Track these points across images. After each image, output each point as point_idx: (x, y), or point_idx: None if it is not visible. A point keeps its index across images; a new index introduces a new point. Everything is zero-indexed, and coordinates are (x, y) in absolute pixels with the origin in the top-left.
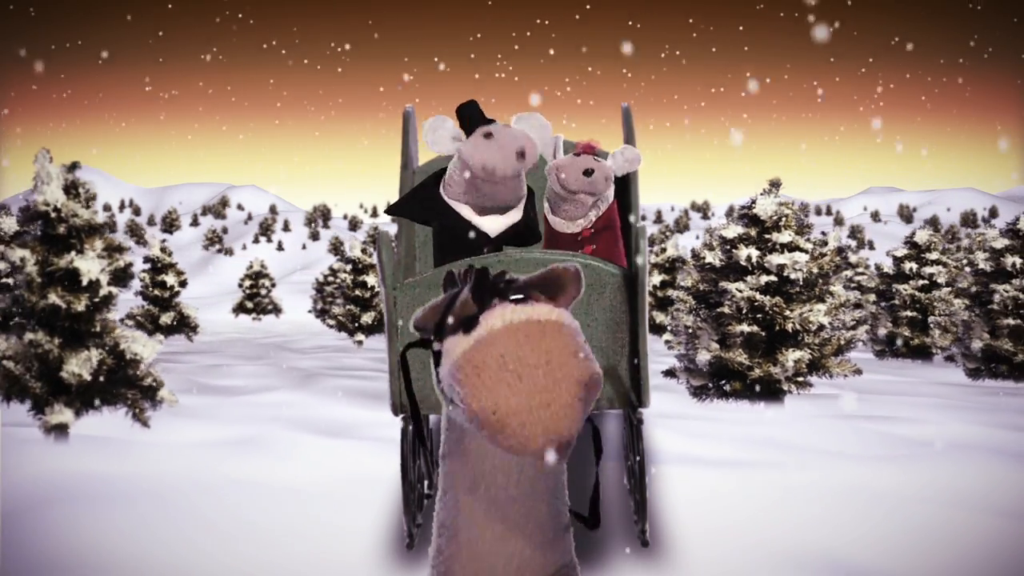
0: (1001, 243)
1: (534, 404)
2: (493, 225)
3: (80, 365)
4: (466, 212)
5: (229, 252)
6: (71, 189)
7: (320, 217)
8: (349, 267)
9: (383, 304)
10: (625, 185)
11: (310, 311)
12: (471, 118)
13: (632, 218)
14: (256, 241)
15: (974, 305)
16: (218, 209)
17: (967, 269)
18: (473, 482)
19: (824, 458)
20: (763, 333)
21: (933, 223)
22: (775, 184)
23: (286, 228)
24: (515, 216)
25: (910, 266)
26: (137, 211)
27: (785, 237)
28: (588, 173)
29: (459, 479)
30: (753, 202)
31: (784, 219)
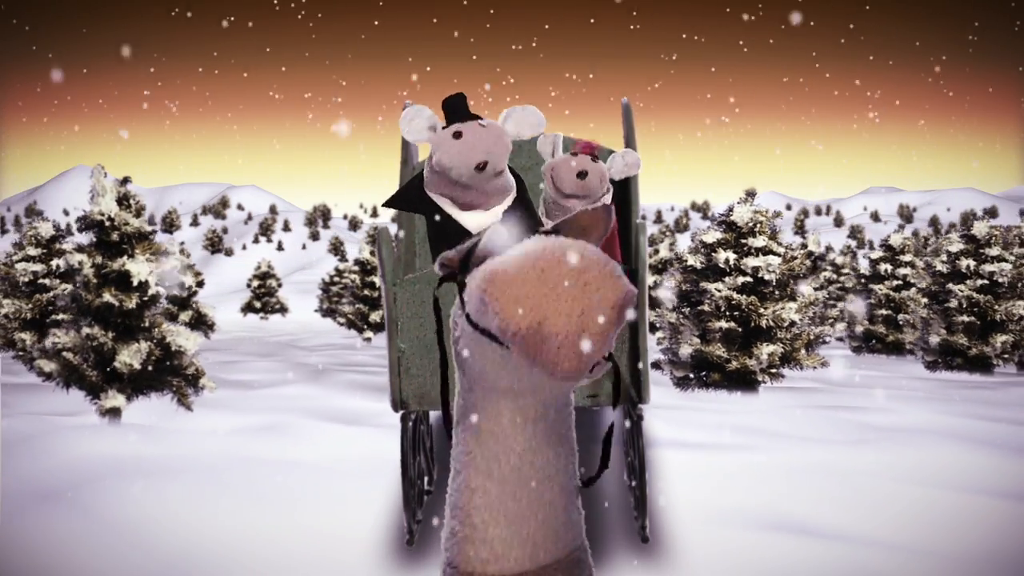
0: (957, 247)
1: (572, 323)
2: (474, 221)
3: (131, 356)
4: (447, 206)
5: (229, 252)
6: (123, 201)
7: (320, 217)
8: (357, 268)
9: (383, 300)
10: (625, 185)
11: (316, 310)
12: (455, 111)
13: (633, 216)
14: (256, 241)
15: (932, 303)
16: (218, 209)
17: (925, 271)
18: (487, 463)
19: (796, 442)
20: (739, 329)
21: (933, 223)
22: (751, 193)
23: (286, 228)
24: (499, 212)
25: (885, 267)
26: None
27: (760, 242)
28: (582, 175)
29: (474, 459)
30: (731, 210)
31: (759, 225)
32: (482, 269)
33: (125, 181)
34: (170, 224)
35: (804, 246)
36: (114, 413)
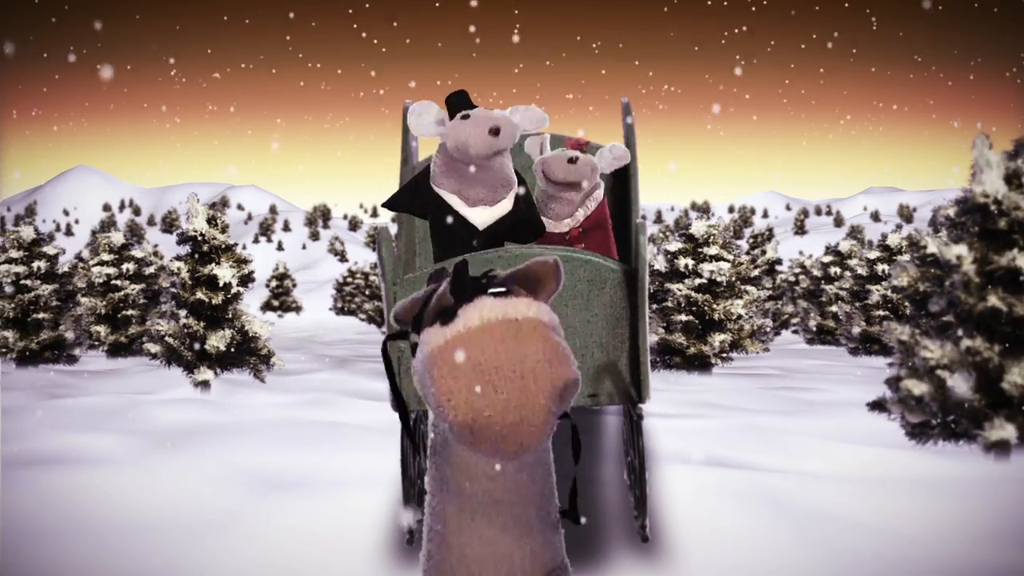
0: (874, 254)
1: (508, 416)
2: (481, 217)
3: (218, 340)
4: (454, 202)
5: None
6: (211, 221)
7: (320, 217)
8: (371, 268)
9: (383, 300)
10: (625, 184)
11: (331, 309)
12: (459, 106)
13: (633, 216)
14: (256, 241)
15: (854, 301)
16: (218, 209)
17: (847, 273)
18: (459, 485)
19: (741, 411)
20: (697, 321)
21: (933, 223)
22: (704, 210)
23: (286, 228)
24: (505, 207)
25: (834, 270)
26: (137, 211)
27: (713, 250)
28: (572, 160)
29: (446, 482)
30: (689, 224)
31: (712, 237)
32: (425, 345)
33: (213, 206)
34: (170, 224)
35: (764, 252)
36: (204, 385)
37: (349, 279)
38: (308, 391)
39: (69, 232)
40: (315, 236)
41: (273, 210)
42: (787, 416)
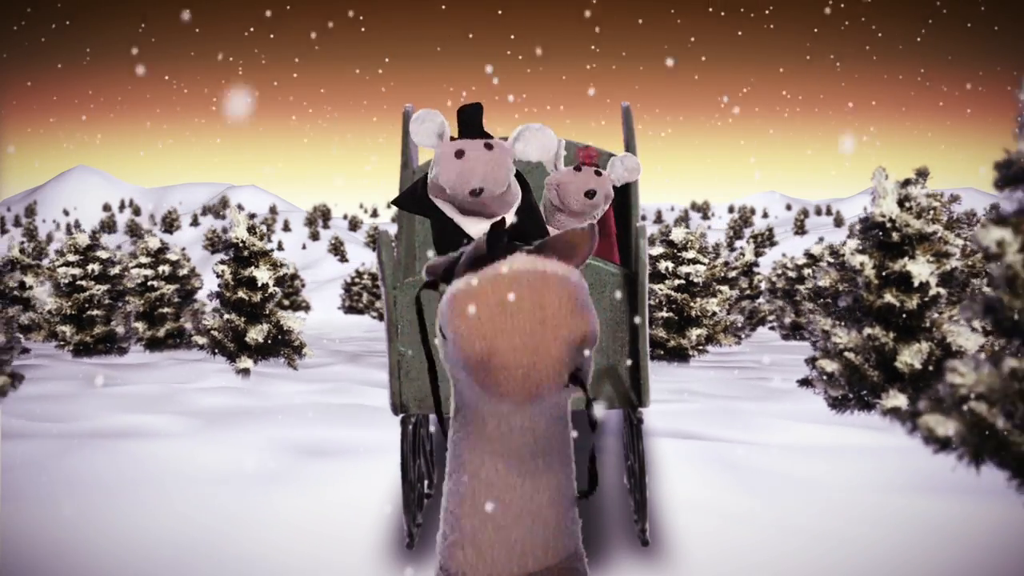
0: (801, 260)
1: (522, 357)
2: (476, 228)
3: (257, 333)
4: (448, 211)
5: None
6: (251, 229)
7: (320, 217)
8: (378, 272)
9: (383, 303)
10: (625, 188)
11: (339, 308)
12: (467, 123)
13: (633, 220)
14: None
15: (786, 298)
16: (218, 209)
17: (779, 274)
18: (475, 469)
19: (712, 397)
20: (676, 317)
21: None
22: (683, 219)
23: (286, 228)
24: (505, 222)
25: (807, 271)
26: (137, 211)
27: (691, 255)
28: (590, 195)
29: (463, 463)
30: (670, 231)
31: (689, 242)
32: (452, 286)
33: (253, 216)
34: (170, 224)
35: (742, 255)
36: (245, 372)
37: (356, 279)
38: (327, 381)
39: (70, 231)
40: (315, 236)
41: (273, 210)
42: (753, 400)
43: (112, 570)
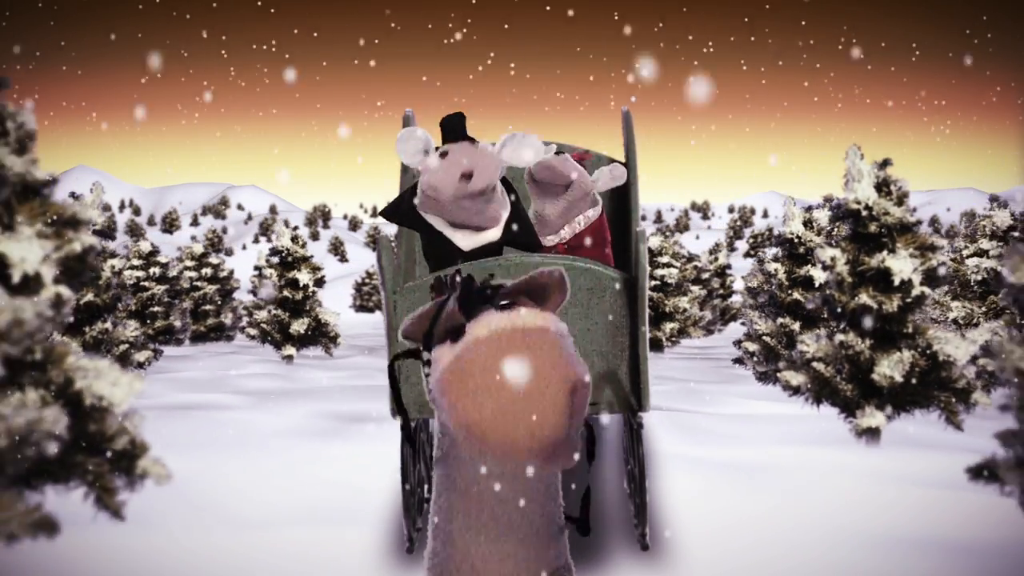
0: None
1: (518, 412)
2: (466, 241)
3: (299, 326)
4: (438, 224)
5: (229, 252)
6: (295, 239)
7: (320, 217)
8: (377, 277)
9: (384, 308)
10: (624, 193)
11: (350, 306)
12: (452, 132)
13: (632, 224)
14: (256, 241)
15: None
16: (218, 209)
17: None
18: (466, 486)
19: (683, 381)
20: (652, 313)
21: (933, 223)
22: (704, 210)
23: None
24: (492, 235)
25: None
26: (137, 211)
27: (665, 259)
28: (559, 153)
29: (452, 483)
30: (647, 239)
31: (664, 248)
32: (440, 367)
33: (296, 228)
34: (170, 224)
35: (716, 258)
36: (289, 359)
37: (367, 280)
38: (350, 369)
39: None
40: (315, 236)
41: (273, 210)
42: (715, 383)
43: (222, 501)
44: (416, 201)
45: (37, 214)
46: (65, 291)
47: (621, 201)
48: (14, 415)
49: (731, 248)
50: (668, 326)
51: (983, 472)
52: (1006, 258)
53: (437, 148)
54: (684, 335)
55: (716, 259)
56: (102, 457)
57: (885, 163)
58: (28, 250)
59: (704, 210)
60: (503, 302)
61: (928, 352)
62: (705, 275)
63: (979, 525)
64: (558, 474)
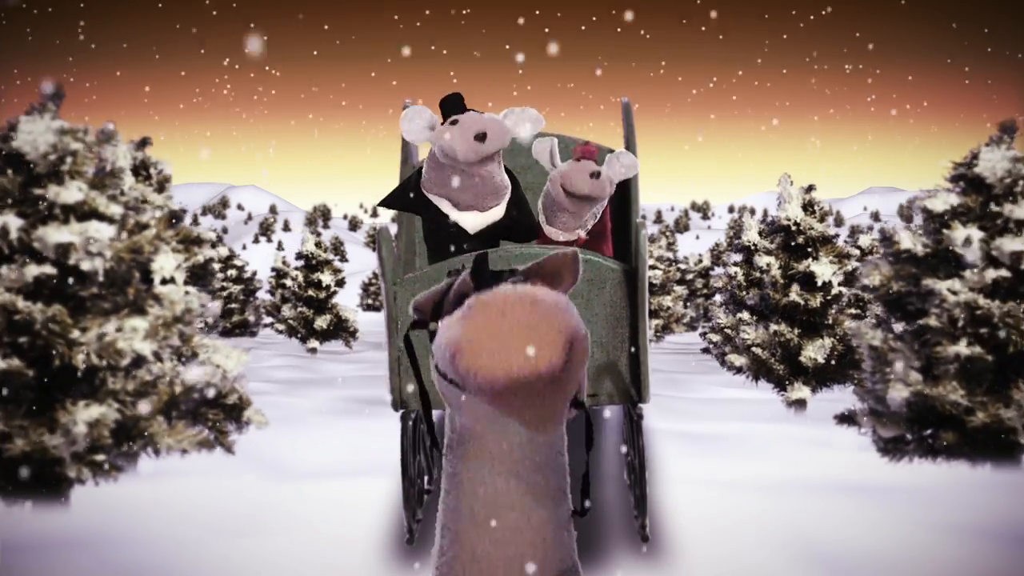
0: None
1: (514, 343)
2: (472, 221)
3: (322, 322)
4: (444, 206)
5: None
6: (318, 244)
7: (320, 217)
8: (378, 269)
9: (384, 300)
10: (624, 184)
11: (358, 305)
12: (452, 109)
13: (632, 216)
14: (256, 241)
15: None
16: (218, 209)
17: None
18: (472, 485)
19: (667, 373)
20: None
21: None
22: (704, 209)
23: (286, 228)
24: (496, 214)
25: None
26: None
27: (650, 261)
28: (595, 176)
29: (460, 480)
30: None
31: (649, 252)
32: (444, 327)
33: (320, 234)
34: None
35: (700, 260)
36: (313, 351)
37: (374, 279)
38: (364, 362)
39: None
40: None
41: (273, 210)
42: (695, 374)
43: (284, 460)
44: (423, 180)
45: (173, 235)
46: (194, 290)
47: (620, 193)
48: (186, 372)
49: (731, 248)
50: (652, 323)
51: (845, 419)
52: (862, 268)
53: (443, 123)
54: (668, 331)
55: (700, 260)
56: (219, 408)
57: (811, 188)
58: (165, 261)
59: (704, 210)
60: (515, 279)
61: (844, 339)
62: (689, 276)
63: (885, 472)
64: (567, 476)
